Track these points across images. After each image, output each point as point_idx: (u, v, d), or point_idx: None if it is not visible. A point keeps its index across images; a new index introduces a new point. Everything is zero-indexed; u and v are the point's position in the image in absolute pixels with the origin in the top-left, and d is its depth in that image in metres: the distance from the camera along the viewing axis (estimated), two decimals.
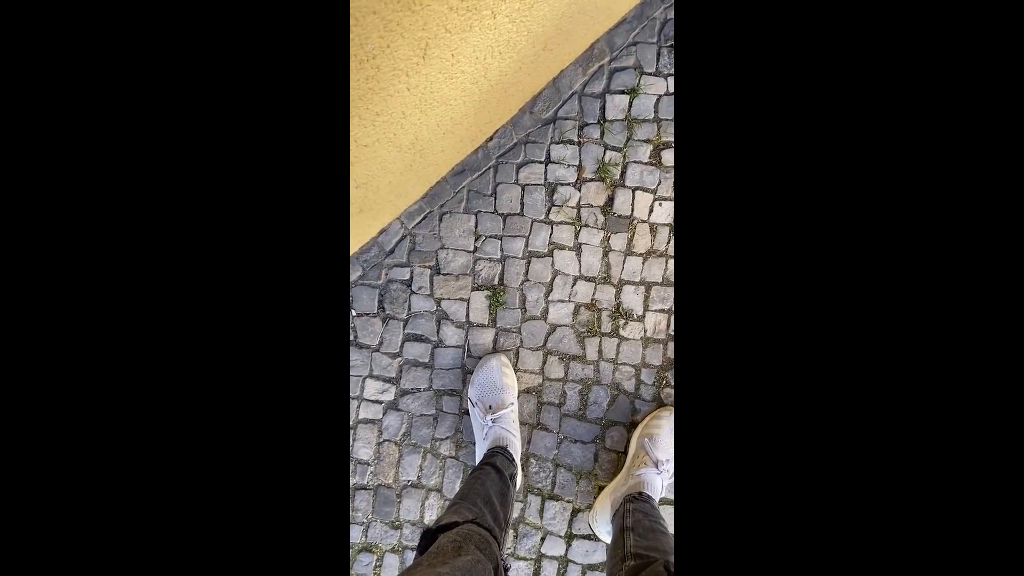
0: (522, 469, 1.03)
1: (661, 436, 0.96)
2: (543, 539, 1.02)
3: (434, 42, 0.59)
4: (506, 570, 0.72)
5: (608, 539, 0.95)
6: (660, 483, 0.93)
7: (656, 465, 0.93)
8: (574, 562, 1.01)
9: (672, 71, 1.03)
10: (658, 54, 1.03)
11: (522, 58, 0.82)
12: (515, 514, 1.03)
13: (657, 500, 0.91)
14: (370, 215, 0.94)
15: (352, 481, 1.06)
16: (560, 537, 1.02)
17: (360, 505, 1.05)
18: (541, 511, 1.02)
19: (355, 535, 1.05)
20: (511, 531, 1.02)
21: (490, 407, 0.97)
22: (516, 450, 0.96)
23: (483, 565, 0.65)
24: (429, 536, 0.67)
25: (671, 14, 1.03)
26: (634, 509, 0.85)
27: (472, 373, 1.02)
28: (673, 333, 1.03)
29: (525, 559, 1.02)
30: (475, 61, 0.70)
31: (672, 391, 1.02)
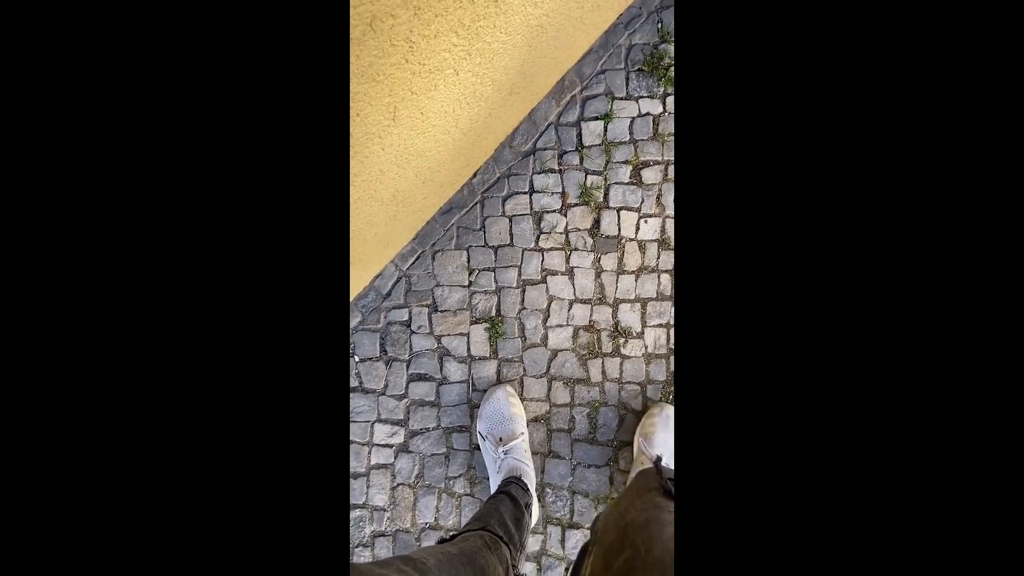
0: (539, 499, 1.01)
1: (656, 434, 0.96)
2: (567, 569, 1.00)
3: (402, 105, 0.62)
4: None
5: None
6: None
7: (654, 463, 0.92)
8: None
9: (643, 94, 1.07)
10: (627, 79, 1.07)
11: (490, 105, 0.85)
12: (536, 546, 1.01)
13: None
14: (360, 266, 0.97)
15: (370, 528, 1.04)
16: None
17: (381, 553, 1.04)
18: (562, 541, 1.01)
19: None
20: (535, 564, 1.01)
21: (500, 439, 0.97)
22: (530, 479, 0.95)
23: (489, 558, 0.64)
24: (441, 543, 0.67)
25: (635, 39, 1.07)
26: (656, 466, 0.84)
27: (479, 407, 1.02)
28: (674, 347, 1.03)
29: None
30: (444, 115, 0.73)
31: None
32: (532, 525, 0.97)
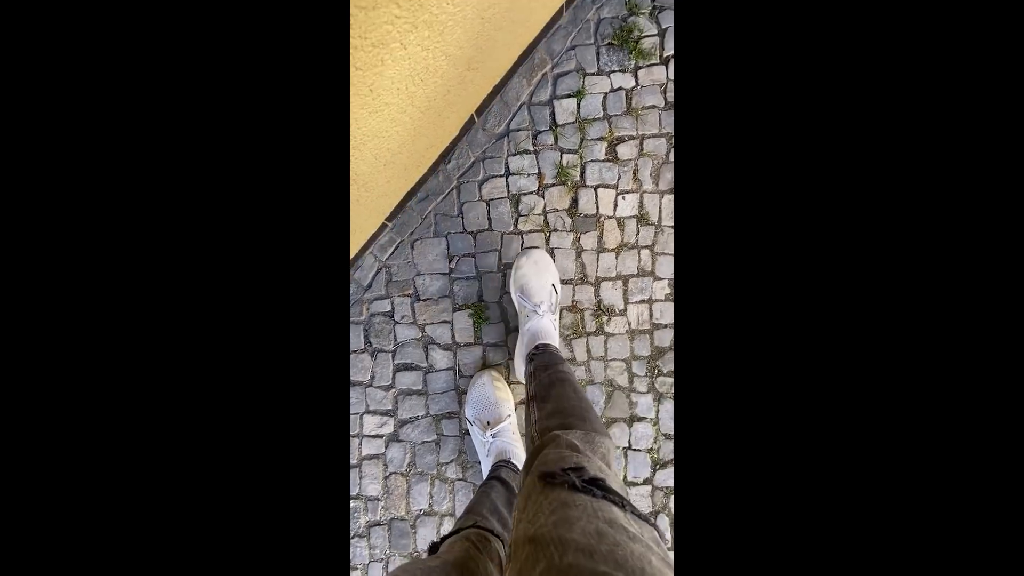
0: None
1: (528, 282, 0.96)
2: None
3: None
4: None
5: None
6: (548, 324, 0.93)
7: (536, 310, 0.94)
8: None
9: (615, 68, 1.05)
10: (597, 54, 1.06)
11: (447, 81, 0.84)
12: None
13: (554, 342, 0.92)
14: None
15: (365, 518, 1.05)
16: None
17: (377, 542, 1.05)
18: None
19: (376, 573, 1.04)
20: None
21: (488, 423, 0.97)
22: (520, 461, 0.96)
23: (478, 560, 0.64)
24: (433, 548, 0.68)
25: (603, 13, 1.05)
26: (534, 369, 0.84)
27: (466, 393, 1.03)
28: (657, 322, 1.03)
29: None
30: (397, 92, 0.72)
31: (665, 379, 1.02)
32: None
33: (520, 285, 0.98)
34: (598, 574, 0.40)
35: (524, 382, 0.94)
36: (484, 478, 0.95)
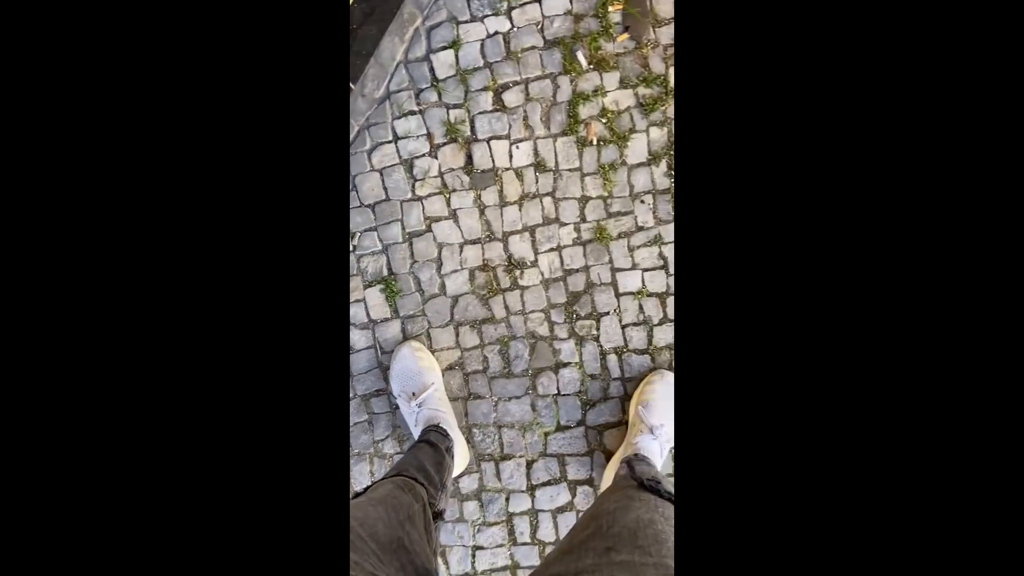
0: (468, 441, 1.04)
1: (655, 401, 0.96)
2: (507, 499, 1.04)
3: None
4: (437, 514, 0.74)
5: None
6: (658, 448, 0.93)
7: (652, 431, 0.93)
8: (542, 510, 1.03)
9: (487, 12, 1.01)
10: (467, 0, 1.01)
11: None
12: (474, 485, 1.04)
13: (656, 463, 0.92)
14: None
15: None
16: (523, 492, 1.04)
17: None
18: (498, 474, 1.04)
19: None
20: (477, 502, 1.04)
21: (413, 394, 0.97)
22: (450, 424, 0.96)
23: (403, 499, 0.66)
24: (356, 496, 0.68)
25: None
26: (631, 461, 0.85)
27: (389, 368, 1.02)
28: (568, 268, 1.03)
29: (496, 523, 1.04)
30: None
31: (584, 322, 1.03)
32: (458, 467, 0.99)
33: (646, 399, 0.96)
34: (636, 543, 0.47)
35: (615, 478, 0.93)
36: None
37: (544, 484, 1.04)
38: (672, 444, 0.97)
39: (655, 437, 0.93)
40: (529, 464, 1.04)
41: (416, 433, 0.97)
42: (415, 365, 0.99)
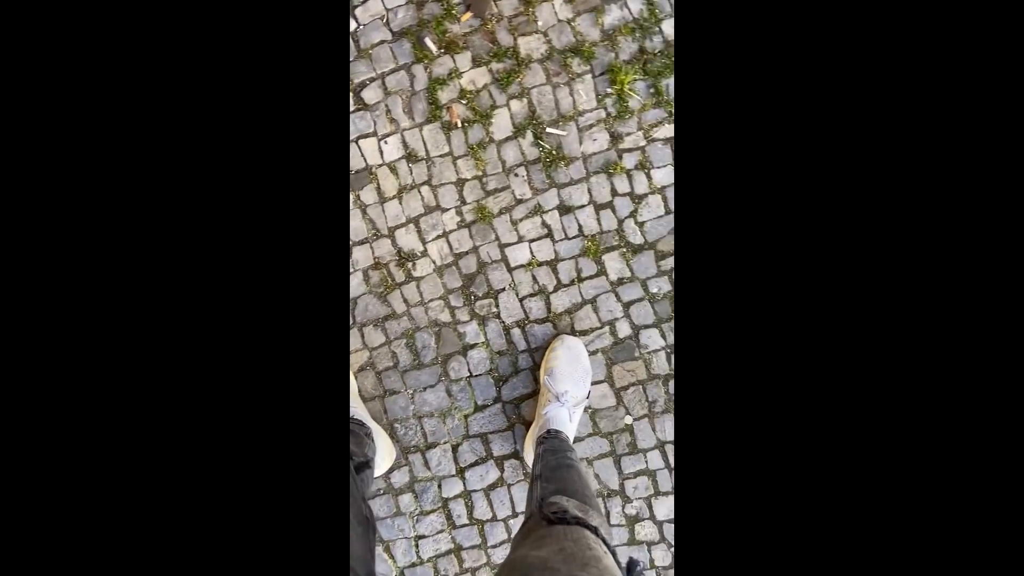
0: (392, 437, 1.05)
1: (558, 367, 0.98)
2: (439, 485, 1.06)
3: None
4: (366, 463, 0.82)
5: None
6: (566, 414, 0.95)
7: (558, 398, 0.95)
8: (475, 490, 1.06)
9: None
10: None
11: None
12: (405, 478, 1.06)
13: (568, 432, 0.95)
14: None
15: None
16: (453, 476, 1.06)
17: None
18: (426, 463, 1.06)
19: None
20: (411, 494, 1.06)
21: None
22: (364, 417, 0.98)
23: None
24: None
25: None
26: (543, 451, 0.88)
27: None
28: (458, 251, 1.04)
29: (432, 511, 1.06)
30: None
31: (483, 302, 1.05)
32: (385, 464, 1.02)
33: (551, 367, 0.98)
34: (547, 567, 0.52)
35: (531, 462, 0.96)
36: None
37: (472, 465, 1.06)
38: (582, 407, 0.99)
39: (562, 404, 0.95)
40: (455, 448, 1.06)
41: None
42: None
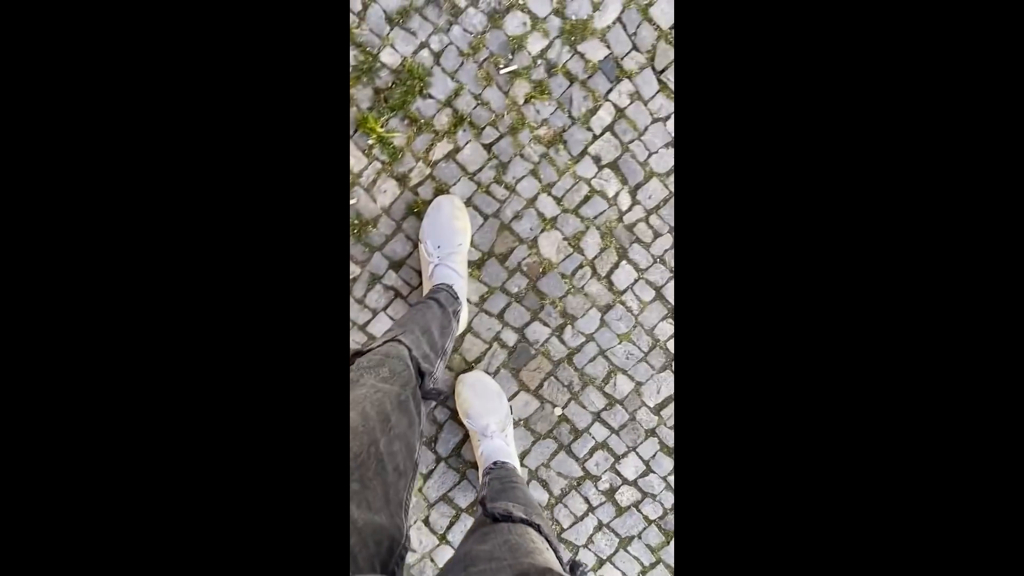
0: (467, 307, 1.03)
1: (471, 405, 0.99)
2: (432, 559, 1.07)
3: None
4: (439, 395, 0.71)
5: None
6: (501, 443, 0.97)
7: (484, 433, 0.97)
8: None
9: None
10: None
11: None
12: None
13: (511, 459, 0.96)
14: None
15: None
16: (439, 545, 1.07)
17: None
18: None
19: None
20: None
21: (439, 246, 0.96)
22: (461, 289, 0.97)
23: (386, 389, 0.63)
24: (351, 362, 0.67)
25: None
26: (489, 480, 0.89)
27: (424, 215, 1.00)
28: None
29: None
30: None
31: None
32: (459, 331, 1.00)
33: (464, 409, 0.99)
34: (492, 557, 0.52)
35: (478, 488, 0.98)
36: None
37: (449, 527, 1.07)
38: (510, 426, 1.01)
39: (490, 436, 0.97)
40: (426, 521, 1.07)
41: (427, 286, 0.97)
42: (451, 221, 0.97)
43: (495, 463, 0.94)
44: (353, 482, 0.52)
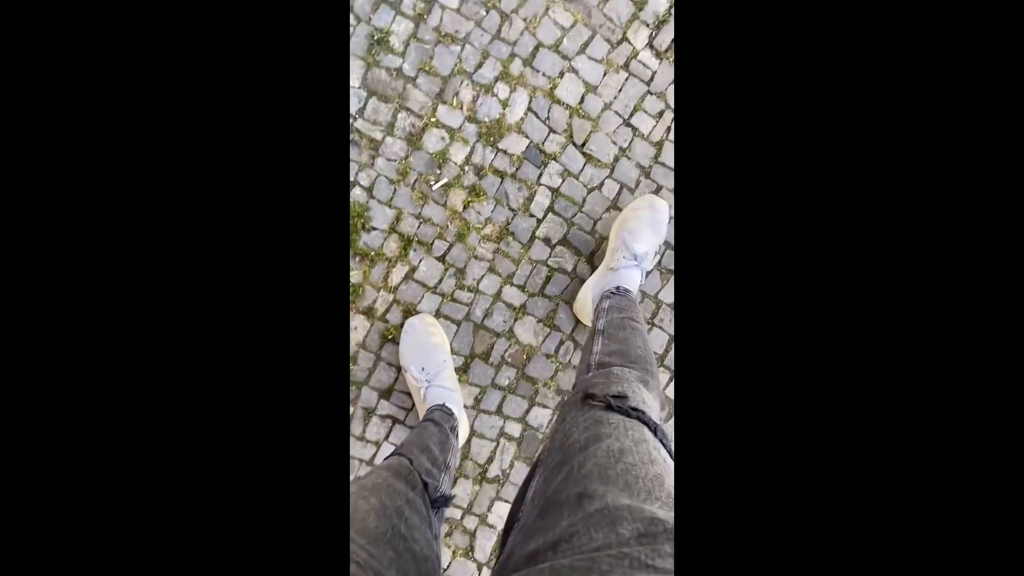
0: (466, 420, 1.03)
1: (641, 228, 0.95)
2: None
3: None
4: (445, 499, 0.69)
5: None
6: (640, 275, 0.94)
7: (635, 258, 0.93)
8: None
9: None
10: None
11: None
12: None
13: (636, 292, 0.93)
14: None
15: None
16: None
17: None
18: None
19: None
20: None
21: (423, 368, 0.96)
22: (456, 403, 0.96)
23: (398, 486, 0.62)
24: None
25: None
26: (609, 307, 0.85)
27: (399, 341, 1.00)
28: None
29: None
30: None
31: None
32: (462, 442, 0.99)
33: (631, 227, 0.94)
34: (607, 480, 0.43)
35: (592, 314, 0.90)
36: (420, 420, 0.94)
37: None
38: (650, 268, 0.98)
39: (638, 265, 0.94)
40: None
41: (421, 410, 0.96)
42: (428, 340, 0.98)
43: (621, 287, 0.89)
44: (388, 551, 0.51)
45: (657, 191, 1.01)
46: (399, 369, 1.01)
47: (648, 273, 1.01)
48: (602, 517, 0.40)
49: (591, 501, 0.42)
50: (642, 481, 0.44)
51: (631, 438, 0.50)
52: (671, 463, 0.49)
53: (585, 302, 0.98)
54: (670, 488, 0.44)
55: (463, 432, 1.00)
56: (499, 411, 1.04)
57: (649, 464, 0.46)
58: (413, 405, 1.03)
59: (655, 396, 0.64)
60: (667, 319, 1.04)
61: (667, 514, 0.39)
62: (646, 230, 0.95)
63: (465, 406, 1.02)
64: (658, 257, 1.01)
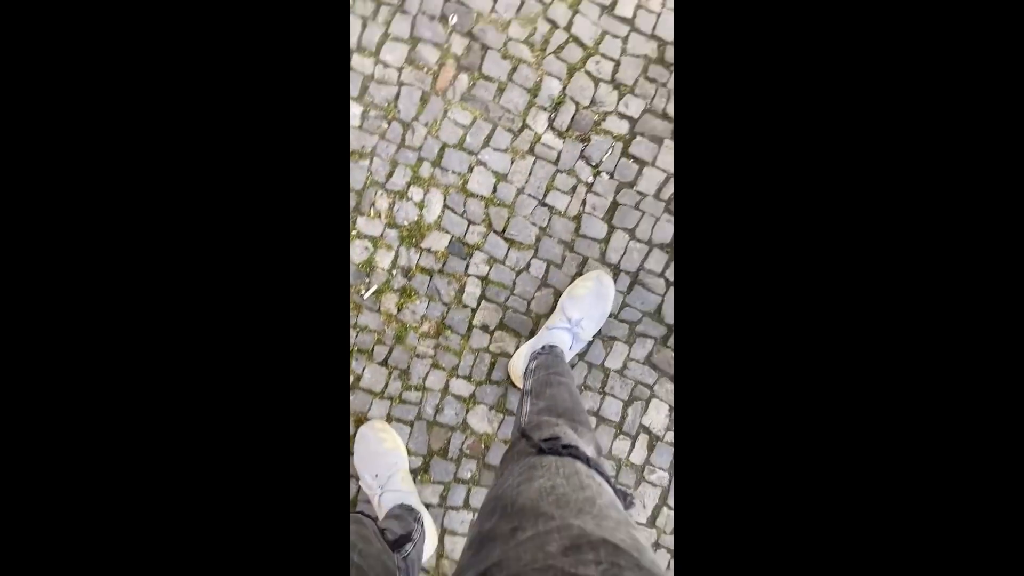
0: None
1: (583, 297, 0.98)
2: None
3: None
4: (407, 538, 0.71)
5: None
6: (569, 339, 0.96)
7: (569, 321, 0.96)
8: None
9: None
10: None
11: None
12: None
13: (565, 352, 0.95)
14: None
15: None
16: None
17: None
18: None
19: None
20: None
21: (376, 475, 0.95)
22: (413, 503, 0.95)
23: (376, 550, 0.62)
24: None
25: None
26: (536, 367, 0.88)
27: (353, 452, 1.00)
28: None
29: None
30: None
31: None
32: (433, 545, 1.00)
33: (573, 295, 0.98)
34: (539, 512, 0.44)
35: (522, 376, 0.93)
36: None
37: None
38: (585, 342, 1.00)
39: (570, 329, 0.96)
40: None
41: (381, 516, 0.94)
42: (379, 447, 0.97)
43: (547, 346, 0.94)
44: None
45: (584, 262, 1.03)
46: (357, 479, 1.01)
47: (590, 344, 1.02)
48: (532, 541, 0.41)
49: (523, 532, 0.43)
50: (573, 503, 0.45)
51: (562, 474, 0.51)
52: (606, 485, 0.51)
53: (517, 364, 1.01)
54: (602, 504, 0.45)
55: (428, 525, 1.00)
56: (466, 504, 1.02)
57: (580, 490, 0.47)
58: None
59: (588, 440, 0.65)
60: (617, 386, 1.04)
61: (595, 526, 0.40)
62: (587, 300, 0.99)
63: (431, 504, 1.02)
64: (598, 327, 1.02)
